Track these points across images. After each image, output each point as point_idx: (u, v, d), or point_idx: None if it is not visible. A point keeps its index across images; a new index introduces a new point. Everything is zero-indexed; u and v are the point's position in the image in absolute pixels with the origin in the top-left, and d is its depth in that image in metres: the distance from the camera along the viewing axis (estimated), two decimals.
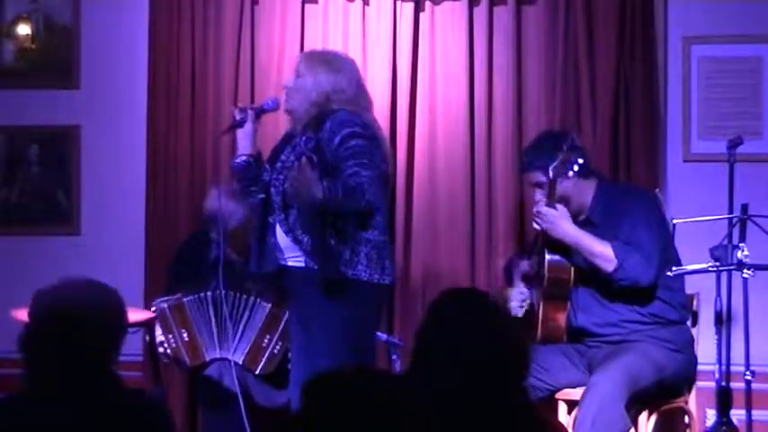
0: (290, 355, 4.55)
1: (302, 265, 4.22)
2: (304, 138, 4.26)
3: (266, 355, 4.75)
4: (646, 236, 4.41)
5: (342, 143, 4.16)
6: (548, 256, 4.49)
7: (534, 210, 4.50)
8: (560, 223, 4.44)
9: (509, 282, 4.77)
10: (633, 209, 4.47)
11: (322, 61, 4.34)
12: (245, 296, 4.76)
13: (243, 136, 4.36)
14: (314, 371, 3.99)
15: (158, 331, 4.79)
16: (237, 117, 4.37)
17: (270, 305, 4.74)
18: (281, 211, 4.24)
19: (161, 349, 4.80)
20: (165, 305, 4.80)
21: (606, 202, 4.52)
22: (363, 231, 4.20)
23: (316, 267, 4.16)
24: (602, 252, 4.40)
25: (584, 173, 4.45)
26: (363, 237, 4.20)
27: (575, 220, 4.51)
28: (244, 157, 4.34)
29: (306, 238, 4.18)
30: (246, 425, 4.50)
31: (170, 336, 4.77)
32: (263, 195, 4.32)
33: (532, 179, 4.55)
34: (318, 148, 4.19)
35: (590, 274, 4.48)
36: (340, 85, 4.27)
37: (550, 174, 4.38)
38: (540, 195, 4.48)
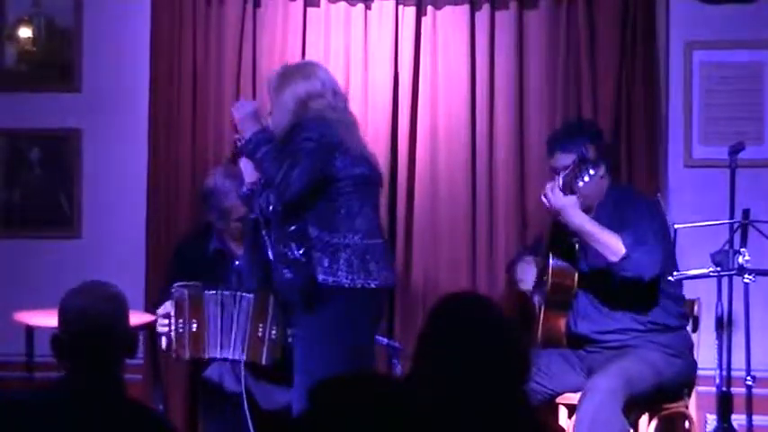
0: (290, 339, 4.53)
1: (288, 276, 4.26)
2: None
3: (266, 343, 4.68)
4: (653, 237, 4.39)
5: (295, 144, 4.18)
6: (552, 261, 4.48)
7: (546, 189, 4.46)
8: (570, 208, 4.39)
9: (514, 282, 4.78)
10: (638, 215, 4.46)
11: (289, 73, 4.37)
12: (233, 293, 4.70)
13: (244, 165, 4.44)
14: (311, 378, 4.02)
15: (171, 312, 4.69)
16: (238, 145, 4.42)
17: (251, 295, 4.67)
18: (265, 225, 4.29)
19: (163, 329, 4.70)
20: (186, 290, 4.71)
21: (612, 208, 4.52)
22: (342, 237, 4.20)
23: (289, 278, 4.21)
24: (610, 241, 4.36)
25: (603, 173, 4.46)
26: (342, 243, 4.20)
27: None
28: (247, 187, 4.40)
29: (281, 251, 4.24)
30: (250, 425, 4.48)
31: (180, 321, 4.67)
32: (253, 216, 4.36)
33: (557, 162, 4.51)
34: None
35: (591, 281, 4.47)
36: (315, 90, 4.29)
37: (560, 182, 4.37)
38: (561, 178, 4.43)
